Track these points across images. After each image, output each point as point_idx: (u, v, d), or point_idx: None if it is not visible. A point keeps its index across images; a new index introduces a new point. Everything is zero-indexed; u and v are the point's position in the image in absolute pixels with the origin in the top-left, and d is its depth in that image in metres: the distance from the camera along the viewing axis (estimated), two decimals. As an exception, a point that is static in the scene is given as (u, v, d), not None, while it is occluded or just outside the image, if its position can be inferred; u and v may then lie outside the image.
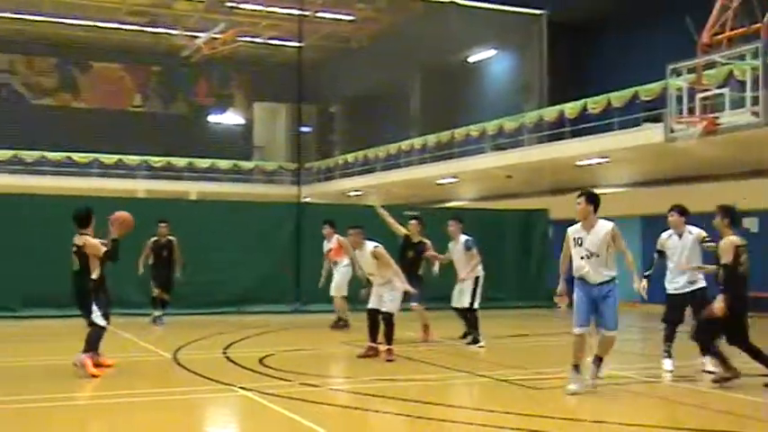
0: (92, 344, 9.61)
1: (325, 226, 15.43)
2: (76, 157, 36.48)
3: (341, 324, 14.97)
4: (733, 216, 9.27)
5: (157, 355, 11.55)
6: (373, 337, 11.27)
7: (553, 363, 11.08)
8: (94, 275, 9.59)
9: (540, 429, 7.25)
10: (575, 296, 8.69)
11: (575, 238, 8.66)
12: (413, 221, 13.40)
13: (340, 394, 9.02)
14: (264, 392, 8.45)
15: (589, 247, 8.54)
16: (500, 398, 8.83)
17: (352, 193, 36.70)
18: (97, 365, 9.51)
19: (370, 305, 11.28)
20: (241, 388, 8.69)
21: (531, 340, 14.19)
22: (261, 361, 10.68)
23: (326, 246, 15.32)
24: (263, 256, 18.79)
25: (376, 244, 11.32)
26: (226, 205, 20.20)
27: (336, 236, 15.05)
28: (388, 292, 11.07)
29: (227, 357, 11.26)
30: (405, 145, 33.24)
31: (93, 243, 9.60)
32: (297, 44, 25.04)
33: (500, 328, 15.03)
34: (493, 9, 28.09)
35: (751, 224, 19.24)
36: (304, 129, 35.63)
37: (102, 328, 9.67)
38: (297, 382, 9.26)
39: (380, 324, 11.12)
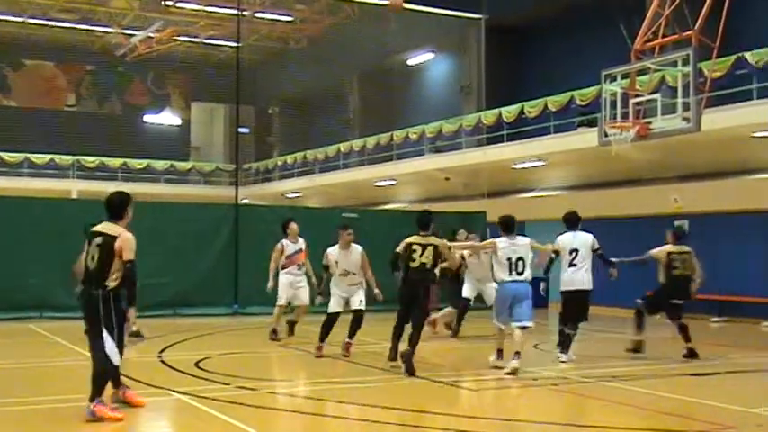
0: (97, 385, 7.38)
1: (292, 224, 13.70)
2: (6, 156, 35.62)
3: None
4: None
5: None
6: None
7: (482, 365, 11.18)
8: (111, 282, 7.38)
9: (475, 430, 7.31)
10: None
11: None
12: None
13: (277, 397, 8.96)
14: (200, 396, 8.35)
15: None
16: (436, 399, 8.88)
17: (290, 195, 36.55)
18: (122, 402, 7.77)
19: (353, 306, 11.55)
20: (176, 392, 8.57)
21: (468, 343, 14.28)
22: (197, 364, 10.55)
23: (293, 248, 13.52)
24: (199, 257, 18.56)
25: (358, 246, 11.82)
26: (162, 206, 19.87)
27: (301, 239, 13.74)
28: (363, 292, 11.59)
29: (163, 361, 11.10)
30: (344, 147, 33.22)
31: (129, 237, 7.47)
32: (235, 44, 24.78)
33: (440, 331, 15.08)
34: (432, 12, 28.23)
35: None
36: (242, 129, 35.30)
37: (113, 366, 7.45)
38: (234, 385, 9.18)
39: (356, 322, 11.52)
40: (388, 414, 7.96)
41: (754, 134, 17.33)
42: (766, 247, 17.88)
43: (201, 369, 10.24)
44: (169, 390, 8.69)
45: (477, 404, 8.71)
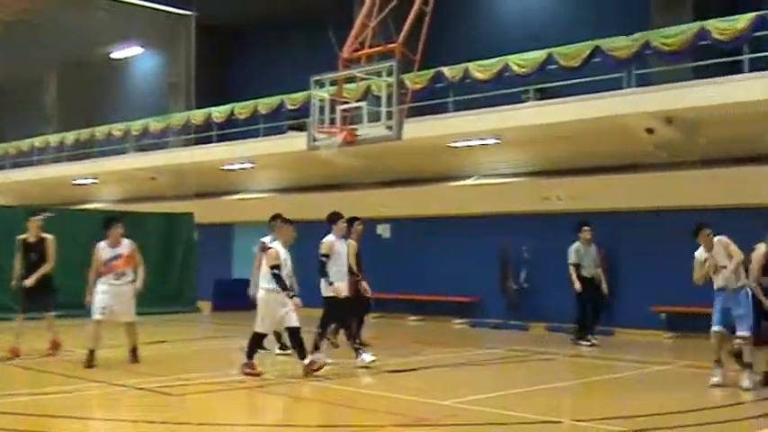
0: None
1: (118, 225, 11.72)
2: None
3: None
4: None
5: None
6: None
7: (190, 369, 10.95)
8: None
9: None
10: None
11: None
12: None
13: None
14: None
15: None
16: (132, 406, 8.59)
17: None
18: None
19: None
20: None
21: (169, 347, 13.87)
22: None
23: (114, 251, 11.50)
24: None
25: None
26: None
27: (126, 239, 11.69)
28: None
29: None
30: (39, 141, 31.09)
31: None
32: None
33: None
34: (139, 5, 27.21)
35: (384, 230, 20.56)
36: None
37: None
38: None
39: None
40: (78, 425, 7.52)
41: (450, 144, 18.51)
42: (462, 249, 19.08)
43: None
44: None
45: (179, 410, 8.44)
